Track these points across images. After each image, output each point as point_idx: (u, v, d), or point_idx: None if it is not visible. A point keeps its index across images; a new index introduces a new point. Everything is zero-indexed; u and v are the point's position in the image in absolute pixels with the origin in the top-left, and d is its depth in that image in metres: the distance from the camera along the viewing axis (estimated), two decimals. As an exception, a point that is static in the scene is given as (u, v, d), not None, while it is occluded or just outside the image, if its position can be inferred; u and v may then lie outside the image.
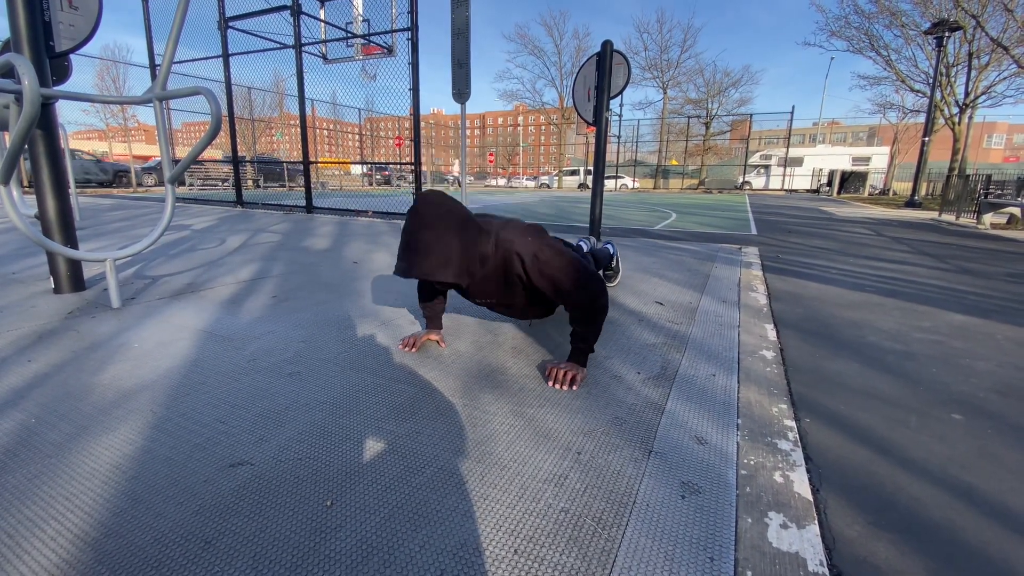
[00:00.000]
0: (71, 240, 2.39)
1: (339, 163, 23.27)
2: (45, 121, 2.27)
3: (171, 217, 2.24)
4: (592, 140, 4.69)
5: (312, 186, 7.34)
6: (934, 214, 10.24)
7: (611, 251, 2.70)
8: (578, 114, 4.87)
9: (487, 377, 1.50)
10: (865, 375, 1.68)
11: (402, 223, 5.99)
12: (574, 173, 31.59)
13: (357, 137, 27.33)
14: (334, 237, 4.66)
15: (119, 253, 2.24)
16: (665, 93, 31.89)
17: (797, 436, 1.24)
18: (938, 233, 6.61)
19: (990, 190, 8.68)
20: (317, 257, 3.56)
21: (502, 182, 37.95)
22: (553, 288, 1.48)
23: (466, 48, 5.01)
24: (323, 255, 3.65)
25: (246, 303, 2.30)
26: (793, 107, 28.53)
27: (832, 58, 41.80)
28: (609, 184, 25.33)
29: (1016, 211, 7.45)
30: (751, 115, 28.26)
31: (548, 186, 31.32)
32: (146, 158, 26.10)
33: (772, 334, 2.06)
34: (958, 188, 9.89)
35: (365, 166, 24.92)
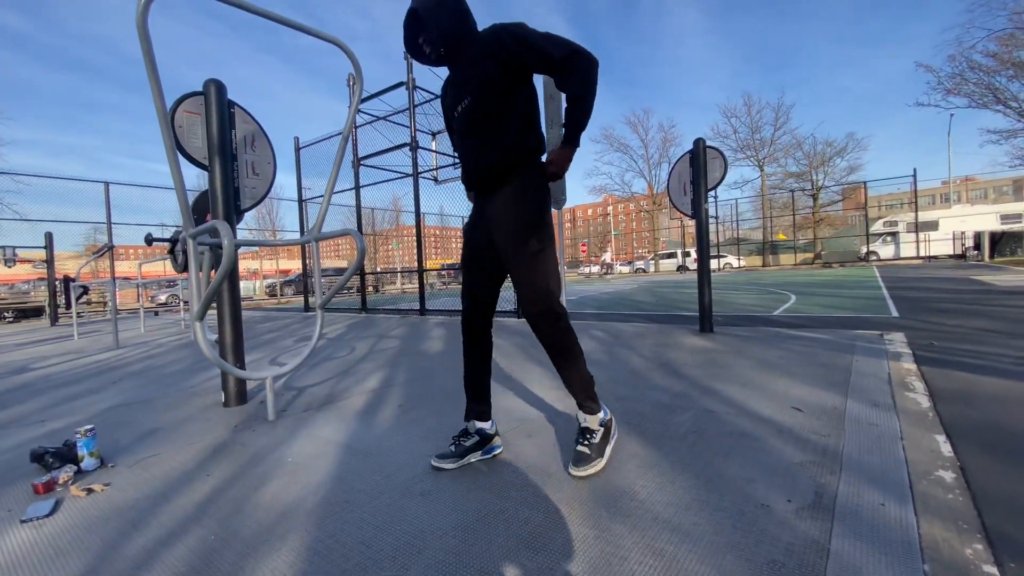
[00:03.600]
0: (240, 360, 2.81)
1: (447, 270, 25.33)
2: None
3: (319, 338, 2.57)
4: (687, 222, 4.65)
5: (424, 288, 8.01)
6: None
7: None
8: (675, 207, 4.92)
9: (614, 503, 1.44)
10: (1095, 508, 1.34)
11: (504, 320, 6.15)
12: (671, 256, 31.09)
13: (460, 240, 29.82)
14: (445, 340, 4.95)
15: (276, 371, 2.59)
16: (762, 170, 31.15)
17: (1015, 595, 1.01)
18: None
19: None
20: (433, 362, 3.79)
21: (595, 269, 38.28)
22: (533, 50, 1.61)
23: (562, 160, 5.41)
24: (438, 359, 3.88)
25: (377, 414, 2.48)
26: (915, 169, 26.17)
27: (952, 114, 38.39)
28: (712, 264, 24.37)
29: None
30: (864, 182, 26.30)
31: (644, 270, 30.96)
32: (287, 271, 30.53)
33: (946, 448, 1.76)
34: None
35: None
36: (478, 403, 1.86)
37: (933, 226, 24.36)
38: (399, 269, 19.90)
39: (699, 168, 4.38)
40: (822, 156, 30.34)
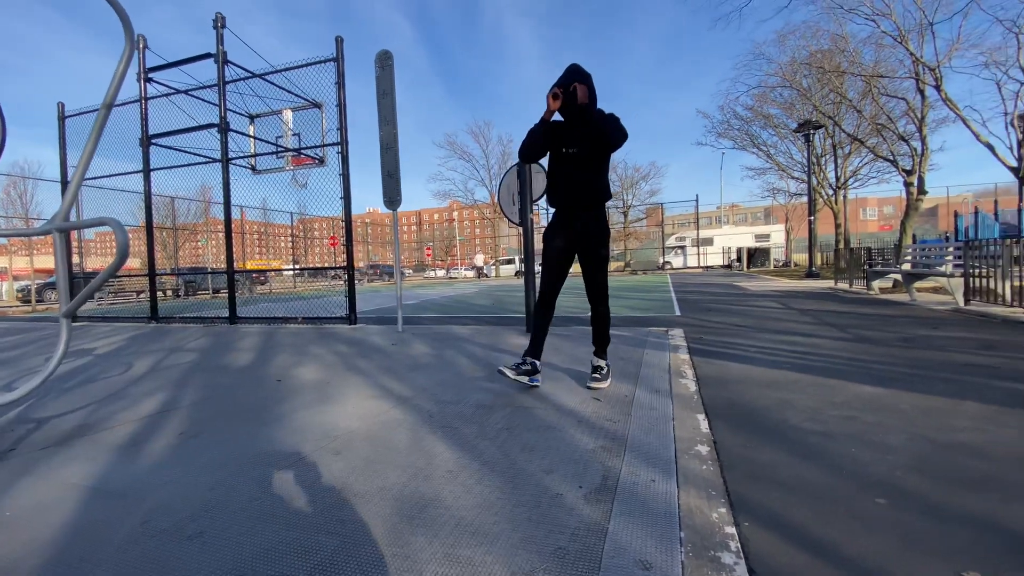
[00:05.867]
0: (-66, 389, 2.08)
1: (269, 270, 22.71)
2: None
3: (63, 357, 2.02)
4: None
5: (238, 292, 7.05)
6: (831, 283, 11.42)
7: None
8: (504, 216, 5.15)
9: (419, 513, 1.39)
10: (793, 464, 1.73)
11: (333, 327, 5.72)
12: (510, 262, 32.78)
13: (289, 239, 27.07)
14: (257, 351, 4.40)
15: (-6, 401, 1.97)
16: (585, 187, 34.63)
17: (739, 545, 1.22)
18: (837, 302, 7.33)
19: (873, 259, 9.90)
20: (236, 378, 3.32)
21: (441, 273, 38.49)
22: (615, 129, 2.55)
23: (395, 160, 5.25)
24: (243, 374, 3.41)
25: (147, 445, 2.05)
26: (697, 196, 32.02)
27: (723, 153, 47.82)
28: (543, 271, 26.23)
29: (898, 277, 8.48)
30: (662, 204, 31.25)
31: (486, 275, 32.06)
32: (49, 271, 24.17)
33: (704, 425, 2.11)
34: (846, 258, 11.22)
35: (297, 267, 24.50)
36: (538, 349, 2.71)
37: (709, 242, 30.11)
38: (208, 269, 17.13)
39: (525, 180, 4.65)
40: (631, 179, 35.13)
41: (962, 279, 6.08)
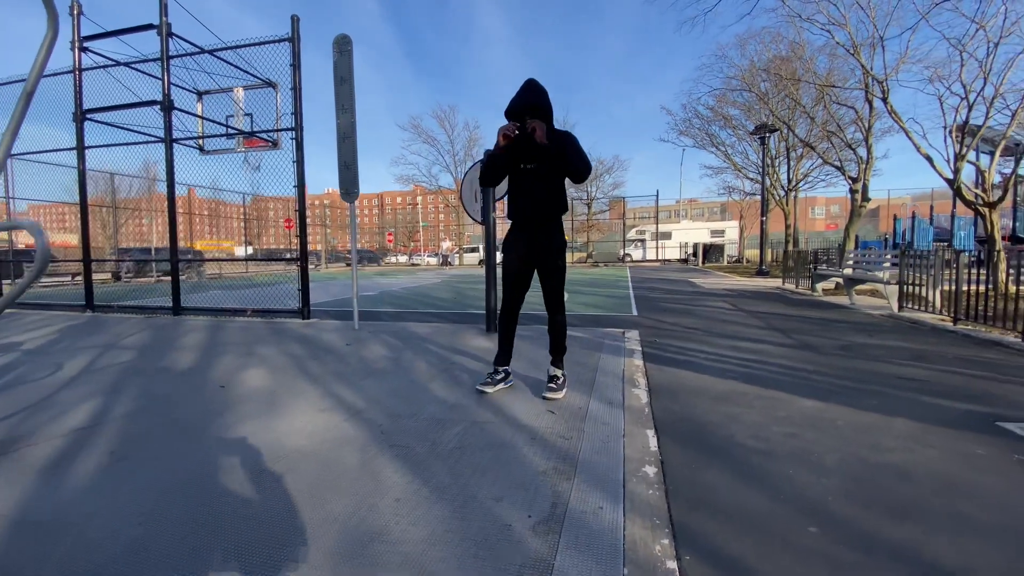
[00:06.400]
0: None
1: (218, 259, 21.57)
2: None
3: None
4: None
5: (186, 277, 6.67)
6: (779, 282, 11.92)
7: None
8: (467, 213, 5.07)
9: (363, 549, 1.35)
10: (735, 487, 1.79)
11: (284, 321, 5.50)
12: (474, 250, 32.62)
13: (241, 220, 25.86)
14: (202, 350, 4.18)
15: None
16: (550, 178, 34.80)
17: (680, 581, 1.25)
18: (783, 303, 7.66)
19: (819, 259, 10.41)
20: (176, 383, 3.14)
21: (403, 259, 37.83)
22: (576, 155, 2.60)
23: (352, 151, 5.06)
24: (184, 379, 3.24)
25: (73, 466, 1.91)
26: (657, 191, 32.60)
27: (684, 150, 48.94)
28: (506, 260, 26.32)
29: (840, 279, 8.95)
30: (624, 197, 31.73)
31: (451, 263, 31.79)
32: (-29, 247, 22.16)
33: (653, 442, 2.15)
34: (794, 258, 11.76)
35: (249, 249, 23.50)
36: (507, 355, 2.89)
37: (668, 236, 30.92)
38: (152, 252, 15.96)
39: (487, 177, 4.58)
40: (595, 171, 35.43)
41: (897, 286, 6.47)
